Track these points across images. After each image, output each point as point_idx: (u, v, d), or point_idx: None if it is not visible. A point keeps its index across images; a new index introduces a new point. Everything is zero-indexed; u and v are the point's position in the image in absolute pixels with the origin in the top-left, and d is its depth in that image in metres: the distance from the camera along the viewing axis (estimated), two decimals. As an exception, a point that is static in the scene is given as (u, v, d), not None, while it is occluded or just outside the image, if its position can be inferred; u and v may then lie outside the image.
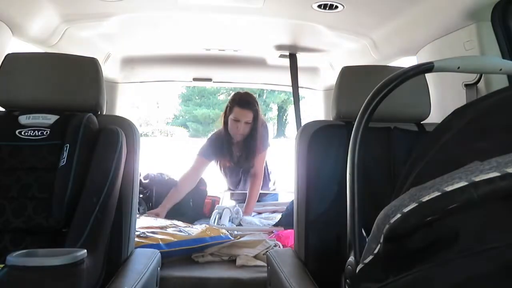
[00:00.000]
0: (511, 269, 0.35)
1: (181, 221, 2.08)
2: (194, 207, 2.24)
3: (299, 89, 2.34)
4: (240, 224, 2.14)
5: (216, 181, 2.67)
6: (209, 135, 2.56)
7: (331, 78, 2.36)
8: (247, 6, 1.56)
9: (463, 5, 1.26)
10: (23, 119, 1.19)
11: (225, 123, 2.35)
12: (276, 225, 2.03)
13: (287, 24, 1.78)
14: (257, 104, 2.33)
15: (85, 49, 1.87)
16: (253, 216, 2.34)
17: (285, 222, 1.99)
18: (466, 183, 0.40)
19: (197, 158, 2.40)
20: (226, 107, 2.36)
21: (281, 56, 2.25)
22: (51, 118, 1.20)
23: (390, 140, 1.25)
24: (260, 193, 2.48)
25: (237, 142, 2.37)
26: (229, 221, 2.16)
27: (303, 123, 1.97)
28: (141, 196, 2.16)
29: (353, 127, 0.72)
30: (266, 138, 2.40)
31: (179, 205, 2.21)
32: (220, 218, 2.17)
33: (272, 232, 1.97)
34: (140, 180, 2.22)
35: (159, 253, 1.32)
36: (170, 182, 2.31)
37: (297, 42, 2.06)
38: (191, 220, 2.18)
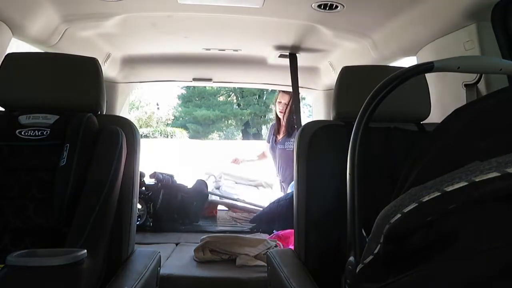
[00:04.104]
0: (511, 269, 0.35)
1: (183, 223, 2.25)
2: (196, 208, 2.30)
3: (299, 89, 2.34)
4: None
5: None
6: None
7: (331, 78, 2.36)
8: (247, 6, 1.55)
9: (463, 5, 1.26)
10: (23, 119, 1.19)
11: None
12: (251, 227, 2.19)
13: (287, 24, 1.78)
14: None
15: (85, 49, 1.87)
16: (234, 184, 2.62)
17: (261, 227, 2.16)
18: (466, 183, 0.40)
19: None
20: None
21: (281, 56, 2.25)
22: (51, 118, 1.20)
23: (390, 140, 1.24)
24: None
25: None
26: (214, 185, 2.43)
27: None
28: (141, 196, 2.14)
29: (353, 127, 0.72)
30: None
31: (183, 206, 2.26)
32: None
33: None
34: (143, 181, 2.22)
35: (159, 253, 1.32)
36: (179, 188, 2.31)
37: (297, 42, 2.06)
38: (192, 220, 2.28)
